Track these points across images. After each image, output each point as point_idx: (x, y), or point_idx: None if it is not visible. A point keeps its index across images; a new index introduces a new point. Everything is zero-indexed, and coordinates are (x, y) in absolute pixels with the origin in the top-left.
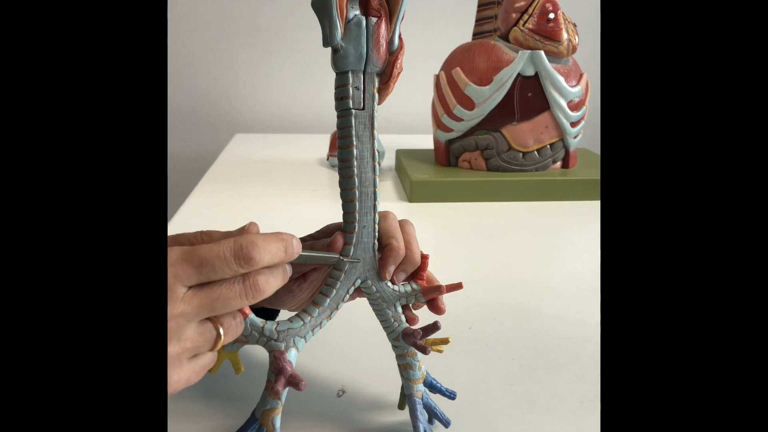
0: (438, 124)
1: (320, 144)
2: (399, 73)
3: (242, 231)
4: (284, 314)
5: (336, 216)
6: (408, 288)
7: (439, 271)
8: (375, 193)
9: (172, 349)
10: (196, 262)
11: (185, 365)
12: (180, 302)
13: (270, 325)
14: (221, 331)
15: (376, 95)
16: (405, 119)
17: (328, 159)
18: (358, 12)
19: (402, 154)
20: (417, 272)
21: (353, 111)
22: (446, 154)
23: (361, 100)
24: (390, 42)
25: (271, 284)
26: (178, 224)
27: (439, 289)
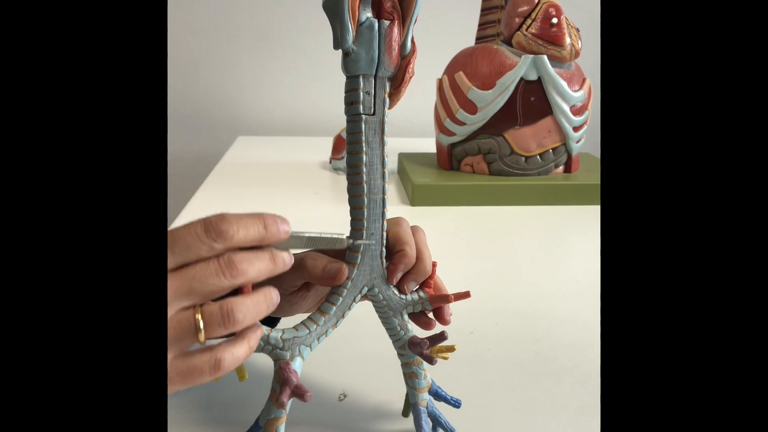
0: (441, 127)
1: (323, 147)
2: (411, 77)
3: None
4: (288, 321)
5: (338, 219)
6: (415, 296)
7: (440, 275)
8: (384, 200)
9: None
10: (170, 241)
11: (170, 362)
12: None
13: (275, 334)
14: (198, 317)
15: (387, 100)
16: (408, 123)
17: (330, 162)
18: (370, 15)
19: (404, 158)
20: (425, 279)
21: (363, 116)
22: (449, 158)
23: (372, 105)
24: (402, 46)
25: (254, 266)
26: None
27: (446, 298)
